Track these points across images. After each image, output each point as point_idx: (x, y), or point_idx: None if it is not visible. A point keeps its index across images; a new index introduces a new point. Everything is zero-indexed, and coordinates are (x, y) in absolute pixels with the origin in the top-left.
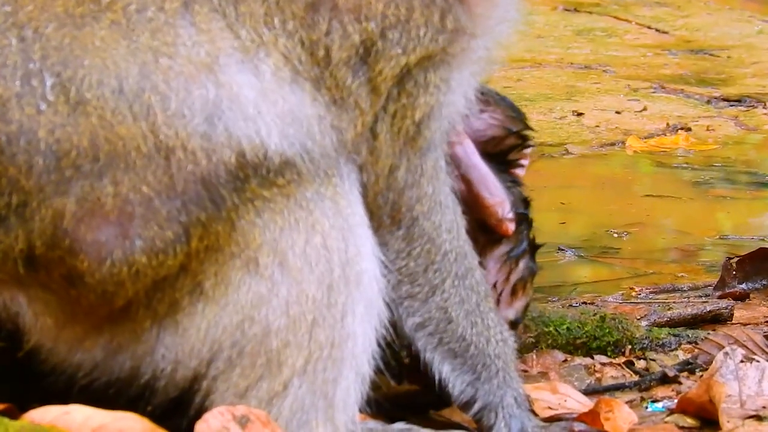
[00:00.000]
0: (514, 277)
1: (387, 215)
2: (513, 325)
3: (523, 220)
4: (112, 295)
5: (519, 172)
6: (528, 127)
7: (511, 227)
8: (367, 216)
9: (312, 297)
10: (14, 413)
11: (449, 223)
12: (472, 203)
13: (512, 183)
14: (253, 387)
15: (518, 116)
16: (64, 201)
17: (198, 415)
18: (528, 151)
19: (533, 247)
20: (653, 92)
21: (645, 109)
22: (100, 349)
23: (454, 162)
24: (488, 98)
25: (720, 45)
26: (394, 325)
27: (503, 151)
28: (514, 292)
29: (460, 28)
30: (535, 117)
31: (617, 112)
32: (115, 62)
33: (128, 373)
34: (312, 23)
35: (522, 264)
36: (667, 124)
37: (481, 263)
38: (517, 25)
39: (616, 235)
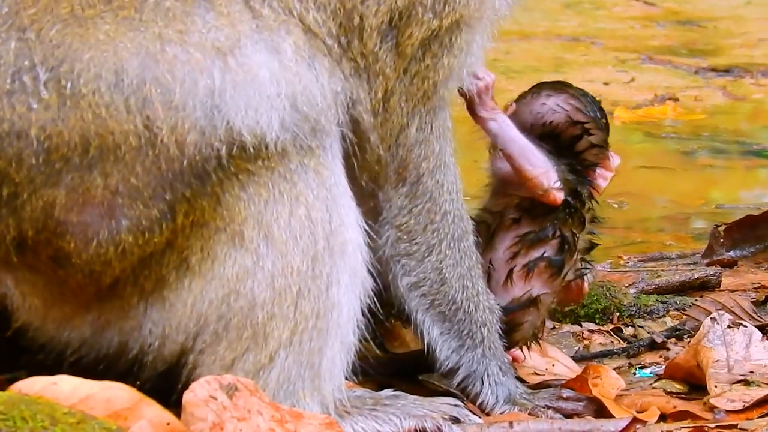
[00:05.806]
0: (518, 261)
1: (393, 171)
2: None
3: (562, 210)
4: (99, 274)
5: (599, 181)
6: (600, 127)
7: (559, 196)
8: (369, 177)
9: (297, 269)
10: (2, 385)
11: (450, 184)
12: (515, 179)
13: (572, 174)
14: (240, 359)
15: (590, 111)
16: (54, 192)
17: (186, 388)
18: (613, 163)
19: (565, 243)
20: (641, 63)
21: (633, 80)
22: (88, 326)
23: (491, 138)
24: (565, 87)
25: (708, 16)
26: (379, 294)
27: (565, 141)
28: (508, 276)
29: None
30: (522, 89)
31: (605, 84)
32: (116, 54)
33: (116, 349)
34: None
35: (535, 252)
36: (655, 94)
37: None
38: None
39: (605, 205)
